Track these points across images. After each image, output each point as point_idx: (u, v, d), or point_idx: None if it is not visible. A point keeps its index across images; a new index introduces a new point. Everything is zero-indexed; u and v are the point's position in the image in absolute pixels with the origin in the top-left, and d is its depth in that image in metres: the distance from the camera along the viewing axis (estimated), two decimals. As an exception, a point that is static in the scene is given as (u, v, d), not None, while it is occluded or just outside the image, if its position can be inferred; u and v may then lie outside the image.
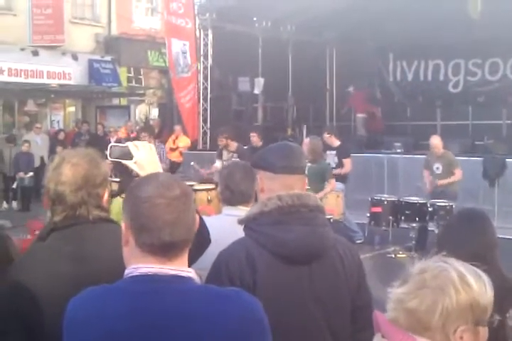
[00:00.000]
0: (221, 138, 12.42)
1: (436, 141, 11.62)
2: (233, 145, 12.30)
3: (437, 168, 11.43)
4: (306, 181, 2.93)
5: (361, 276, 2.83)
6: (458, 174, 11.36)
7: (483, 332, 1.78)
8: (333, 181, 10.58)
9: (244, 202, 3.67)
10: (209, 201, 10.18)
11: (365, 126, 19.91)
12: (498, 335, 2.03)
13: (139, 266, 1.94)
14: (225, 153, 12.37)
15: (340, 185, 11.63)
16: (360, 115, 20.10)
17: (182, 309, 1.89)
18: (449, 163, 11.39)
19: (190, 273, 1.98)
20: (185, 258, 2.00)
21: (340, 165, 11.84)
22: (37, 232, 2.63)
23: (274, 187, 2.75)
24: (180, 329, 1.87)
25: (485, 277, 1.79)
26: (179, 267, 1.96)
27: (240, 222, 2.76)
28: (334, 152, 11.93)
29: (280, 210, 2.64)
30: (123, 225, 1.99)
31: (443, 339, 1.74)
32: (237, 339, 1.90)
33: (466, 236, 3.19)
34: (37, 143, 18.23)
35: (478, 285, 1.75)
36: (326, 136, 12.03)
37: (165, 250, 1.93)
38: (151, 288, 1.91)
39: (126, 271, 1.97)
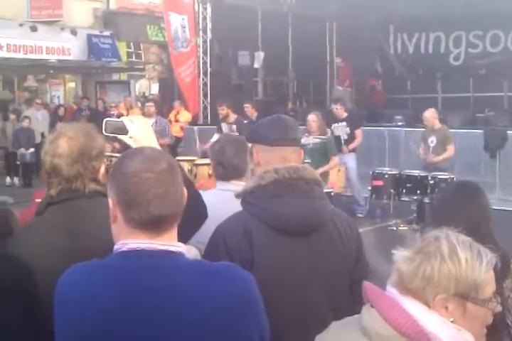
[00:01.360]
0: (222, 107, 12.30)
1: (428, 114, 11.44)
2: (233, 116, 12.26)
3: (432, 141, 11.34)
4: (302, 153, 2.91)
5: (359, 250, 2.82)
6: (450, 150, 11.22)
7: (476, 310, 1.78)
8: (336, 158, 10.54)
9: (238, 177, 3.64)
10: (210, 175, 10.17)
11: (350, 99, 19.76)
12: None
13: (128, 241, 1.91)
14: (223, 126, 12.31)
15: (351, 155, 11.85)
16: (341, 88, 19.89)
17: (171, 286, 1.86)
18: (444, 137, 11.26)
19: (180, 247, 1.95)
20: (174, 233, 1.97)
21: (352, 135, 11.96)
22: (37, 200, 2.63)
23: (270, 160, 2.74)
24: (169, 307, 1.84)
25: (489, 259, 1.79)
26: (169, 242, 1.93)
27: (237, 195, 2.74)
28: (344, 123, 11.98)
29: (277, 183, 2.62)
30: (110, 201, 1.96)
31: (425, 303, 1.78)
32: (228, 318, 1.87)
33: (460, 208, 3.19)
34: (37, 119, 18.17)
35: (470, 261, 1.76)
36: (338, 107, 12.00)
37: (154, 224, 1.90)
38: (140, 263, 1.88)
39: (115, 247, 1.94)
